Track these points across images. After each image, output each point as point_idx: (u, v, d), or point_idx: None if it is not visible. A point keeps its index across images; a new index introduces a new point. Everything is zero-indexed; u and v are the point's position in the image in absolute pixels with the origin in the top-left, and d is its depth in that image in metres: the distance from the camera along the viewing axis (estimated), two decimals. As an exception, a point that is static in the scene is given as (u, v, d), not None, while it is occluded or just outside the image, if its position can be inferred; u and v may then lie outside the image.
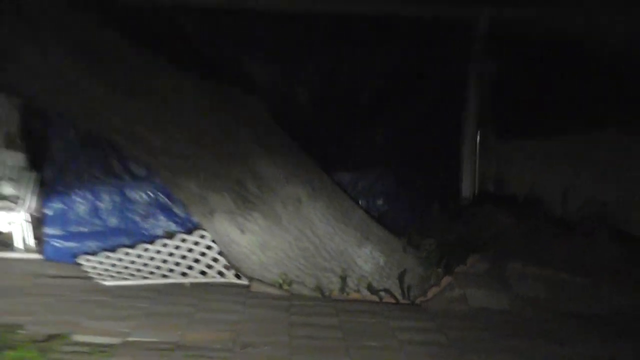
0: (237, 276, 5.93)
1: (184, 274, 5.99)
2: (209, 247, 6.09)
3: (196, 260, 6.07)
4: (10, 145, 7.01)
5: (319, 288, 5.58)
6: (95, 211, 6.62)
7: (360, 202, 6.26)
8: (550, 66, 6.15)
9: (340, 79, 6.44)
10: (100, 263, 6.20)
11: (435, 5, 6.12)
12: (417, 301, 5.49)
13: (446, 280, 5.53)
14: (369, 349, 4.42)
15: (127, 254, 6.30)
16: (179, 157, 5.66)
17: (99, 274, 5.99)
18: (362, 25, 6.30)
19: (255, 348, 4.37)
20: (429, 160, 6.60)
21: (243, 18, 6.21)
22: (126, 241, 6.51)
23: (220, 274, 6.00)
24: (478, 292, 5.49)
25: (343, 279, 5.57)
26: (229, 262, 5.99)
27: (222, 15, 6.20)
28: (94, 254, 6.37)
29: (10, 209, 6.77)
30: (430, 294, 5.49)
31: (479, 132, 6.72)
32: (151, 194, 6.63)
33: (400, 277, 5.56)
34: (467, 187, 6.72)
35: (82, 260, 6.25)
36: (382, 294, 5.49)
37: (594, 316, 5.24)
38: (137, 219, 6.61)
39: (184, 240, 6.18)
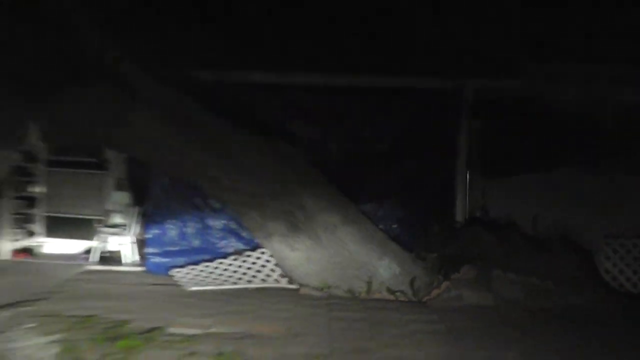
0: (289, 282, 7.34)
1: (249, 282, 7.40)
2: (267, 261, 7.55)
3: (258, 271, 7.52)
4: (119, 187, 8.66)
5: (350, 290, 7.01)
6: (183, 235, 8.09)
7: (379, 226, 7.57)
8: (521, 122, 7.41)
9: (364, 135, 7.85)
10: (187, 274, 7.65)
11: (431, 79, 7.57)
12: (424, 300, 6.86)
13: (445, 284, 6.87)
14: (389, 335, 5.72)
15: (206, 266, 7.73)
16: (245, 194, 7.20)
17: (186, 282, 7.41)
18: (379, 94, 7.77)
19: (303, 336, 5.59)
20: (431, 193, 7.86)
21: (291, 91, 7.79)
22: (206, 257, 7.93)
23: (276, 281, 7.42)
24: (469, 293, 6.82)
25: (369, 283, 6.99)
26: (283, 272, 7.42)
27: (275, 89, 7.78)
28: (182, 266, 7.82)
29: (120, 234, 8.39)
30: (433, 295, 6.86)
31: (468, 172, 8.00)
32: (224, 222, 8.05)
33: (411, 282, 6.99)
34: (460, 214, 7.95)
35: (173, 272, 7.72)
36: (398, 294, 6.93)
37: (555, 311, 6.52)
38: (214, 240, 8.05)
39: (249, 256, 7.65)
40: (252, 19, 7.71)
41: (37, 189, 8.89)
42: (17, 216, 8.72)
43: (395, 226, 7.75)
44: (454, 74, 7.41)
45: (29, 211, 8.83)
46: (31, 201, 8.85)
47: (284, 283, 7.36)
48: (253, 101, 7.75)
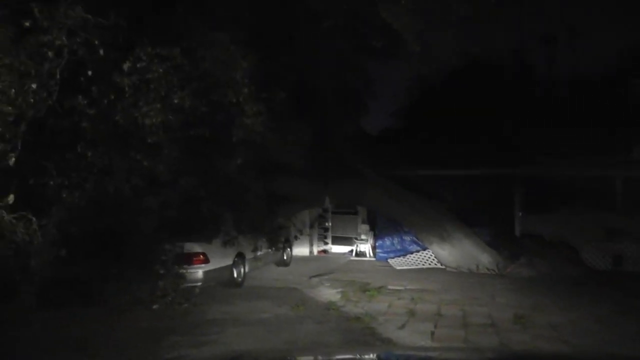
0: (441, 265, 14.42)
1: (423, 265, 14.66)
2: (430, 255, 14.76)
3: (427, 260, 14.83)
4: (363, 221, 16.90)
5: (469, 269, 13.90)
6: (392, 243, 15.62)
7: (481, 238, 14.33)
8: (553, 189, 13.86)
9: (471, 194, 14.76)
10: (395, 261, 15.11)
11: (495, 170, 14.29)
12: (503, 274, 13.46)
13: (513, 266, 13.46)
14: (488, 290, 11.10)
15: (404, 258, 15.16)
16: (419, 225, 14.80)
17: (395, 265, 14.85)
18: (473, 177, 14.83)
19: (449, 290, 10.91)
20: (504, 223, 14.52)
21: (441, 178, 15.16)
22: (403, 253, 15.25)
23: (435, 264, 14.57)
24: (525, 270, 13.19)
25: (477, 265, 13.88)
26: (437, 260, 14.61)
27: (433, 177, 15.20)
28: (393, 258, 15.27)
29: (364, 243, 16.54)
30: (508, 271, 13.42)
31: (519, 212, 14.56)
32: (411, 237, 15.23)
33: (497, 265, 13.71)
34: (517, 231, 14.56)
35: (389, 260, 15.25)
36: (491, 271, 13.77)
37: (562, 278, 12.48)
38: (407, 245, 15.37)
39: (422, 252, 15.05)
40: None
41: (328, 224, 17.85)
42: (320, 235, 17.77)
43: (488, 238, 14.51)
44: (510, 166, 14.36)
45: (325, 233, 17.84)
46: (326, 229, 17.85)
47: (438, 265, 14.61)
48: (424, 182, 15.31)
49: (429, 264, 14.72)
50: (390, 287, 11.19)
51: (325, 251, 17.93)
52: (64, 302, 7.71)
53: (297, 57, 9.74)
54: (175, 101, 7.19)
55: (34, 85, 6.12)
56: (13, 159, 5.84)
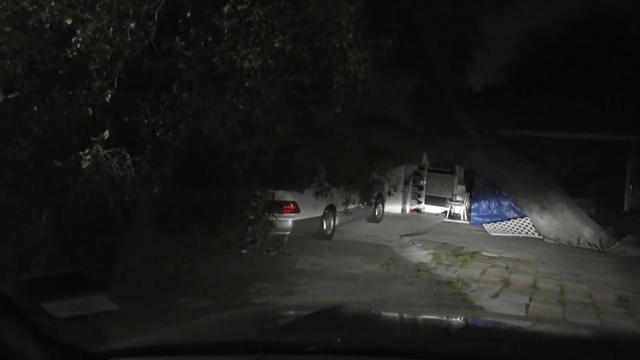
0: (539, 235, 13.53)
1: (519, 233, 13.81)
2: (528, 224, 13.90)
3: (524, 228, 13.98)
4: (460, 183, 16.17)
5: (569, 242, 12.93)
6: (489, 207, 14.85)
7: (584, 210, 13.23)
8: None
9: (578, 162, 13.62)
10: (491, 226, 14.41)
11: (606, 135, 12.98)
12: (606, 251, 12.39)
13: (617, 243, 12.34)
14: (588, 267, 9.98)
15: (500, 223, 14.41)
16: (520, 190, 13.81)
17: (490, 230, 14.15)
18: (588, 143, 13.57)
19: (546, 263, 9.90)
20: (611, 196, 13.25)
21: (545, 140, 14.04)
22: (499, 219, 14.48)
23: (533, 234, 13.70)
24: (630, 249, 12.04)
25: (578, 239, 12.83)
26: (536, 229, 13.71)
27: (537, 138, 14.19)
28: (488, 223, 14.58)
29: (459, 205, 15.88)
30: (611, 249, 12.35)
31: (630, 185, 13.21)
32: (509, 202, 14.43)
33: (600, 240, 12.63)
34: (626, 206, 13.28)
35: (484, 225, 14.57)
36: (592, 246, 12.68)
37: None
38: (504, 211, 14.57)
39: (519, 220, 14.23)
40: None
41: (423, 182, 17.20)
42: (414, 194, 17.20)
43: (592, 211, 13.39)
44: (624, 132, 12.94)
45: (419, 192, 17.24)
46: (420, 187, 17.23)
47: (536, 235, 13.70)
48: (528, 144, 14.27)
49: (526, 233, 13.88)
50: (484, 253, 10.69)
51: (417, 210, 17.38)
52: (158, 235, 7.66)
53: (405, 3, 9.02)
54: (276, 45, 6.81)
55: (132, 25, 5.97)
56: (109, 96, 5.74)
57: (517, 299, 7.57)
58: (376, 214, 14.10)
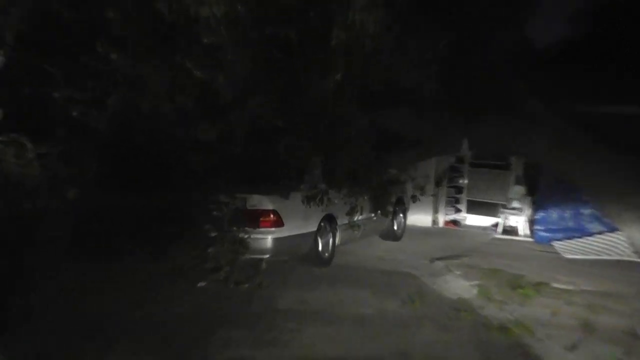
0: (638, 257, 12.65)
1: (608, 254, 13.48)
2: (622, 240, 13.42)
3: (614, 247, 13.66)
4: (517, 182, 16.05)
5: None
6: (561, 218, 14.66)
7: None
8: None
9: None
10: (564, 245, 14.07)
11: None
12: None
13: None
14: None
15: (578, 241, 14.04)
16: (610, 192, 13.89)
17: (563, 251, 13.77)
18: None
19: None
20: None
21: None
22: (577, 235, 14.20)
23: (629, 255, 13.12)
24: None
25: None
26: (634, 249, 12.90)
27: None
28: (560, 240, 14.27)
29: (517, 215, 15.77)
30: None
31: None
32: (591, 210, 14.13)
33: None
34: None
35: (554, 243, 14.29)
36: None
37: None
38: (584, 223, 14.34)
39: (607, 235, 13.84)
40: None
41: (463, 181, 17.23)
42: (449, 198, 17.27)
43: None
44: None
45: (457, 196, 17.30)
46: (459, 189, 17.28)
47: (634, 257, 13.05)
48: (617, 125, 14.09)
49: (618, 254, 13.78)
50: (555, 284, 10.62)
51: (455, 222, 17.49)
52: (76, 259, 7.58)
53: None
54: (248, -19, 6.83)
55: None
56: (2, 60, 5.70)
57: (606, 351, 7.55)
58: (395, 227, 14.20)
